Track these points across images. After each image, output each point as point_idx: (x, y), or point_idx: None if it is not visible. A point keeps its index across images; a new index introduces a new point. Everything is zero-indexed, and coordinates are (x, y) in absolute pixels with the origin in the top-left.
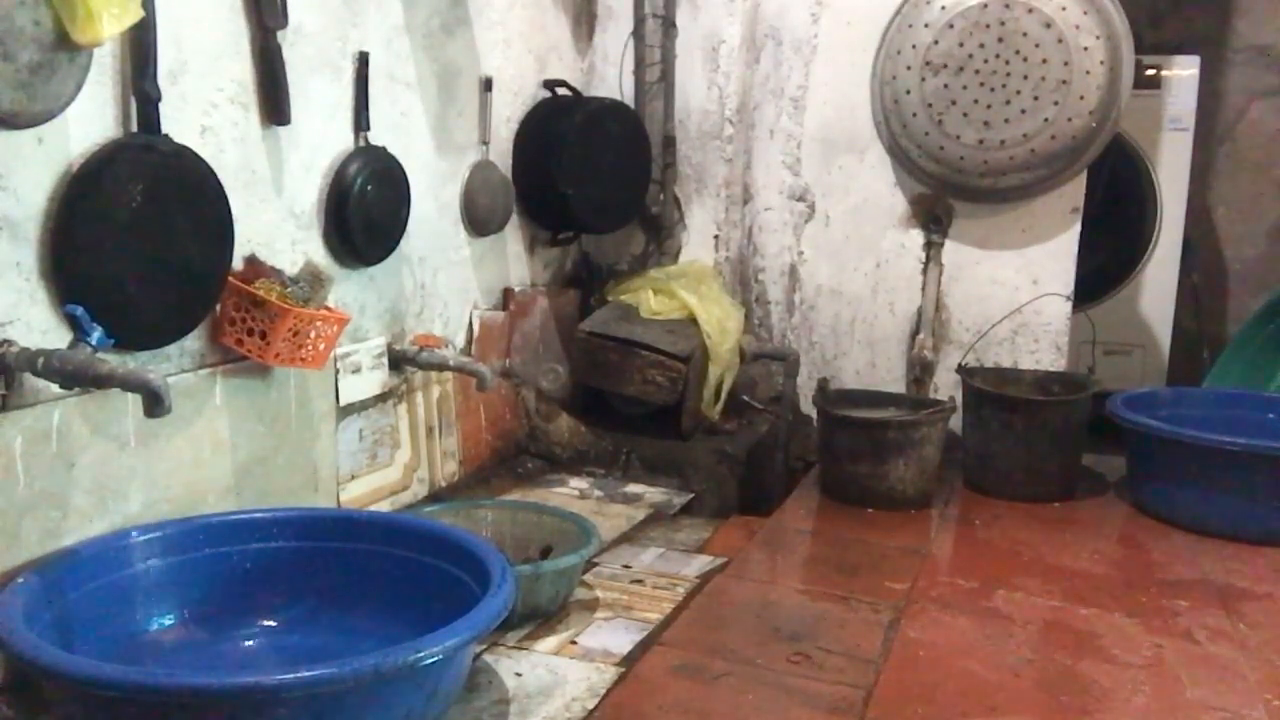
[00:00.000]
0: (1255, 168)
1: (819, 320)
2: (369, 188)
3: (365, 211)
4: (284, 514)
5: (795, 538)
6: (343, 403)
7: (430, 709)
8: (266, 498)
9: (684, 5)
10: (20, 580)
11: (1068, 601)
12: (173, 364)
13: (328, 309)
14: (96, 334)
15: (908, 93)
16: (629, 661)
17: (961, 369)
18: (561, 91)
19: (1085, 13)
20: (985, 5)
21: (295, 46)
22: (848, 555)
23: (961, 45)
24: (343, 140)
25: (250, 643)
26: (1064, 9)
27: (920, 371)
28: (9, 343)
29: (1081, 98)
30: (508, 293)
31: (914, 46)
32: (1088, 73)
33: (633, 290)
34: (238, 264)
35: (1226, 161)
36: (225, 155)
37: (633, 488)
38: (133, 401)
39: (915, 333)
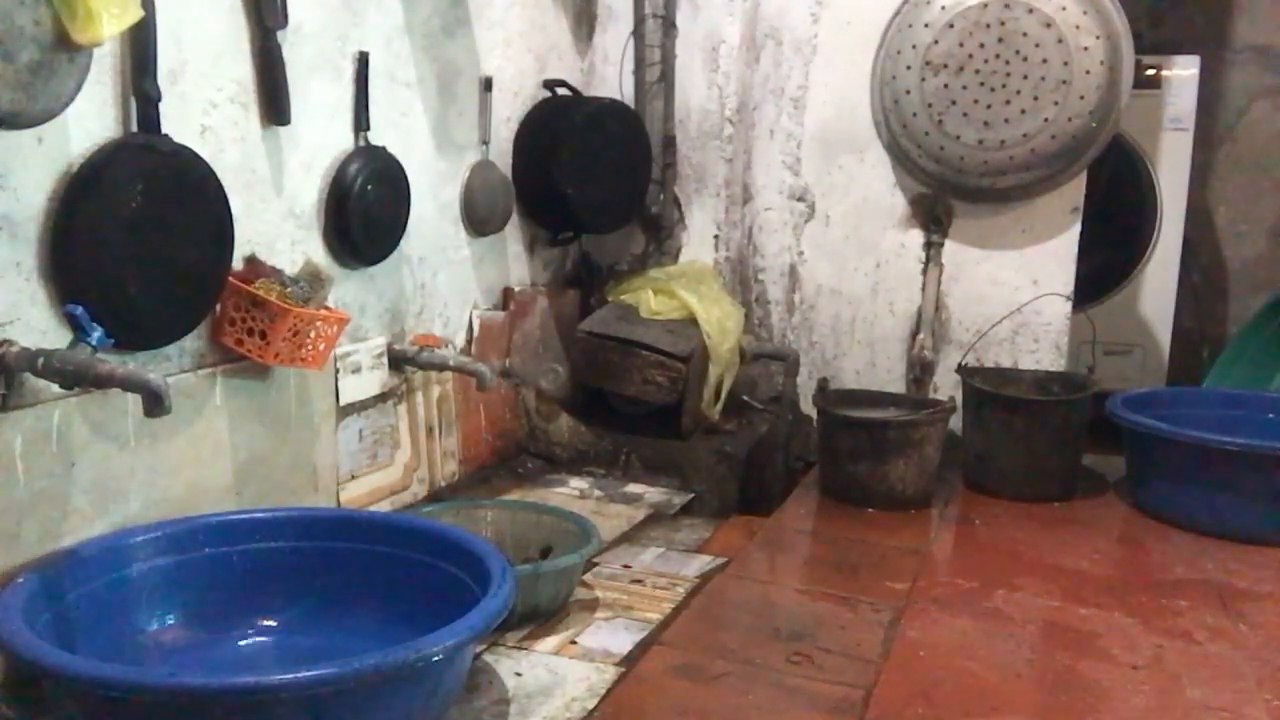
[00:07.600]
0: (1255, 168)
1: (819, 320)
2: (369, 188)
3: (365, 211)
4: (284, 514)
5: (795, 538)
6: (343, 403)
7: (430, 709)
8: (266, 498)
9: (684, 5)
10: (20, 580)
11: (1068, 601)
12: (173, 364)
13: (328, 309)
14: (96, 334)
15: (908, 93)
16: (629, 661)
17: (961, 369)
18: (561, 91)
19: (1085, 13)
20: (985, 5)
21: (295, 46)
22: (848, 555)
23: (961, 45)
24: (343, 140)
25: (250, 643)
26: (1064, 9)
27: (920, 371)
28: (9, 343)
29: (1081, 98)
30: (508, 293)
31: (914, 46)
32: (1088, 73)
33: (633, 290)
34: (238, 264)
35: (1226, 161)
36: (225, 155)
37: (633, 488)
38: (133, 401)
39: (915, 333)
